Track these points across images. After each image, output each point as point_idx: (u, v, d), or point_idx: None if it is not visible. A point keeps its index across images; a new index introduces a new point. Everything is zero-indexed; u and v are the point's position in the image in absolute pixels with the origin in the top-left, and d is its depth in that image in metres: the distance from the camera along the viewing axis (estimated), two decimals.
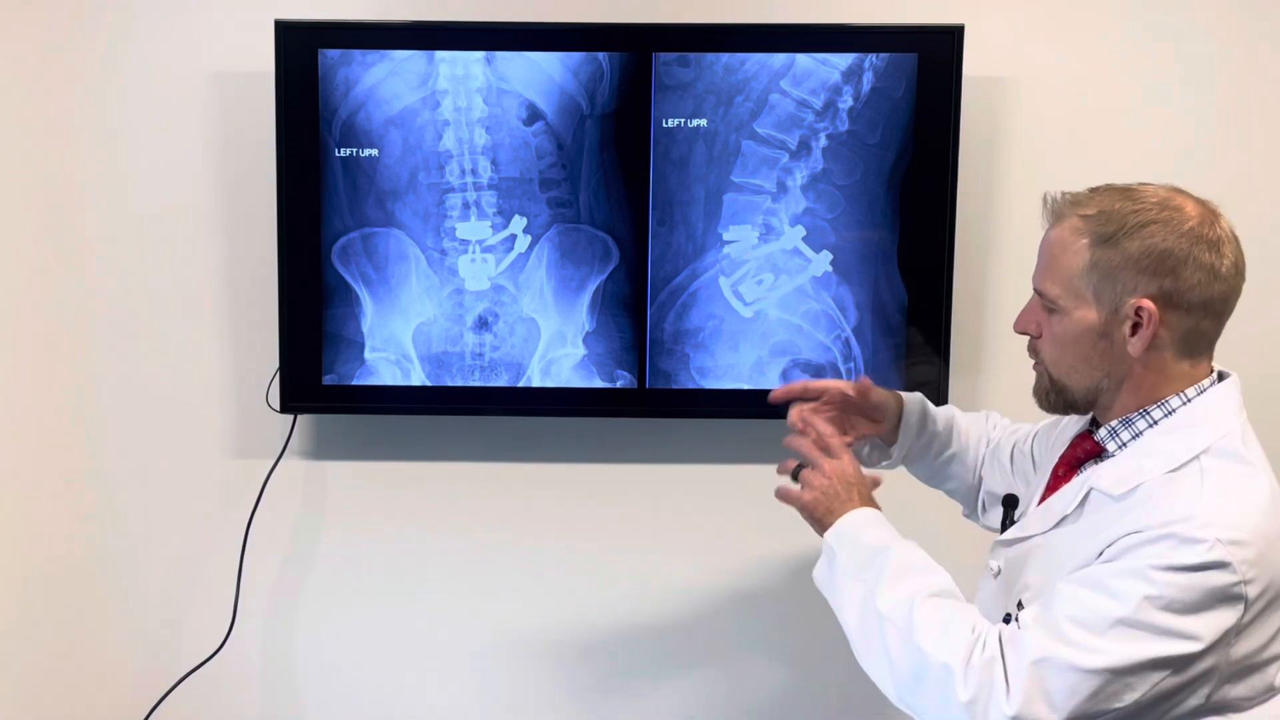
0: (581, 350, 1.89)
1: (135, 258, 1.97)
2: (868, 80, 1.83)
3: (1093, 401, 1.29)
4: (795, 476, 1.40)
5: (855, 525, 1.31)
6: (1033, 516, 1.34)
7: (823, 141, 1.85)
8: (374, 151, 1.86)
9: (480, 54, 1.84)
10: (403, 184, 1.86)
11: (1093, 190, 1.27)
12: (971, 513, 1.62)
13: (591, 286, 1.88)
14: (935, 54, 1.82)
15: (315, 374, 1.89)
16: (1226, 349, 1.93)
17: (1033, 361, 1.33)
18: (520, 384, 1.90)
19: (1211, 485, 1.18)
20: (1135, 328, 1.22)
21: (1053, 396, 1.31)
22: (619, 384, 1.90)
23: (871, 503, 1.35)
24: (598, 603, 2.02)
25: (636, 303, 1.88)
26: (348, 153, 1.85)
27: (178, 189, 1.95)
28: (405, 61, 1.84)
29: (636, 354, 1.89)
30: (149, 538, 2.01)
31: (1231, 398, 1.27)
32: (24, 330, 1.98)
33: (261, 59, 1.87)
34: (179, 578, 2.02)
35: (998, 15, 1.91)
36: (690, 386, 1.90)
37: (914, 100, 1.83)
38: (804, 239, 1.87)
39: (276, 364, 1.91)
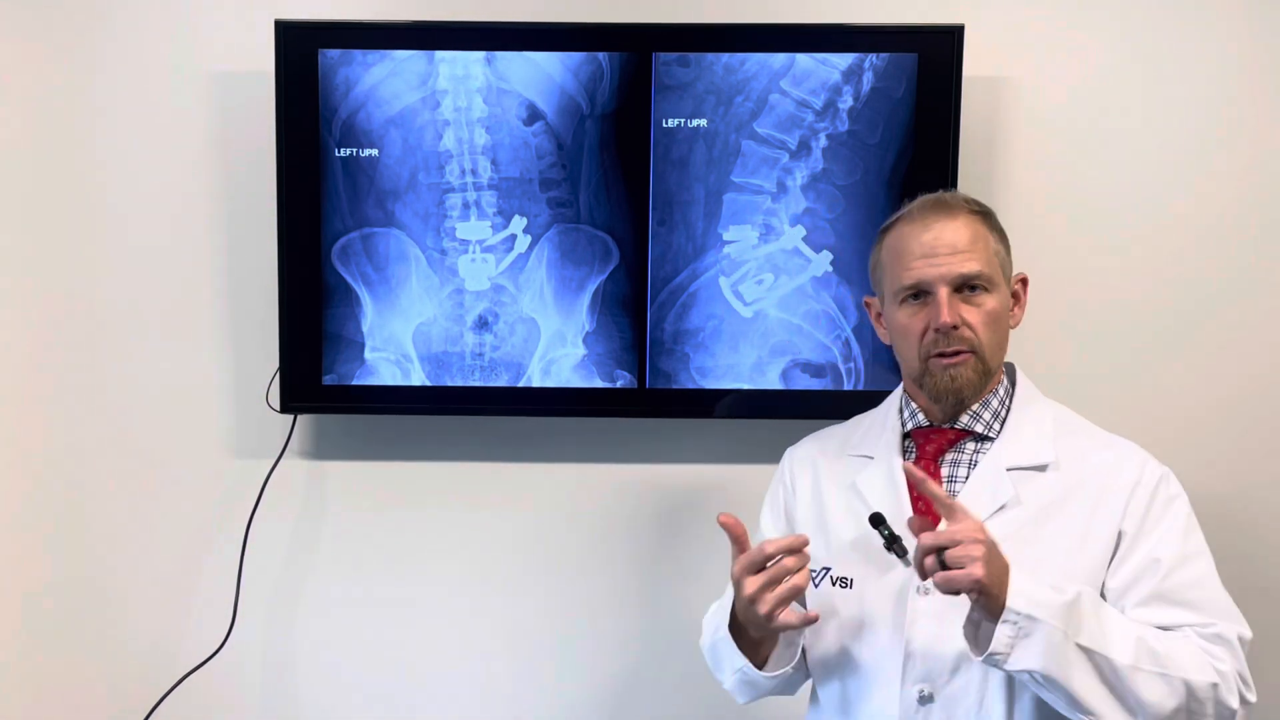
0: (581, 350, 1.89)
1: (135, 257, 1.97)
2: (868, 80, 1.83)
3: (989, 382, 1.38)
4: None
5: (1029, 584, 1.20)
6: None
7: (823, 141, 1.85)
8: (374, 151, 1.86)
9: (480, 54, 1.84)
10: (403, 184, 1.86)
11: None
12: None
13: (591, 286, 1.88)
14: (935, 54, 1.82)
15: (315, 374, 1.89)
16: (1228, 348, 1.94)
17: (948, 359, 1.33)
18: (520, 384, 1.90)
19: (1106, 435, 1.39)
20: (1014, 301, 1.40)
21: (982, 382, 1.36)
22: (619, 384, 1.90)
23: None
24: (598, 602, 2.02)
25: (636, 303, 1.88)
26: (348, 153, 1.86)
27: (177, 189, 1.96)
28: (405, 61, 1.84)
29: (636, 354, 1.89)
30: (149, 538, 2.01)
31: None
32: (23, 329, 1.98)
33: (261, 59, 1.87)
34: (179, 577, 2.02)
35: (998, 15, 1.91)
36: (690, 386, 1.89)
37: (914, 100, 1.83)
38: (804, 239, 1.87)
39: (276, 364, 1.91)
